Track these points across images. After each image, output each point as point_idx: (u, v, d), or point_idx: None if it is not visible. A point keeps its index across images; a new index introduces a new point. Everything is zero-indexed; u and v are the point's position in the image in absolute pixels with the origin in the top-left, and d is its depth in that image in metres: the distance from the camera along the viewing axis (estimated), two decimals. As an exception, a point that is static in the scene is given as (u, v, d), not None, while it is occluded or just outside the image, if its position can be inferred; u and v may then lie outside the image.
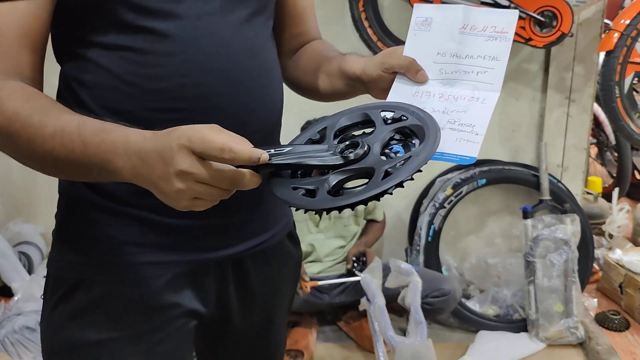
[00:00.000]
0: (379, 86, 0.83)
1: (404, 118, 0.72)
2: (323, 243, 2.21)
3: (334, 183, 0.65)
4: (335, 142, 0.72)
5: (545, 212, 2.22)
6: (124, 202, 0.82)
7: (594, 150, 3.54)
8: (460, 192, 2.29)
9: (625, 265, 2.29)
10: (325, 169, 0.66)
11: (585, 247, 2.24)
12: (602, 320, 2.24)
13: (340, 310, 2.36)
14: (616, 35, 1.94)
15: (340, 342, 2.29)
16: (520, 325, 2.26)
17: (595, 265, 2.52)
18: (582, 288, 2.25)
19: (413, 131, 0.70)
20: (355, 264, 2.13)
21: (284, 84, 0.94)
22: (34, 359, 2.00)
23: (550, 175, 2.30)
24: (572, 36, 2.08)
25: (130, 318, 0.85)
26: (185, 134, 0.61)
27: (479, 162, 2.39)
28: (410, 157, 0.65)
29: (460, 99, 0.78)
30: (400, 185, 0.62)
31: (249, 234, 0.92)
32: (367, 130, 0.73)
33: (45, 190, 2.62)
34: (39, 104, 0.68)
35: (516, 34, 2.20)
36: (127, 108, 0.77)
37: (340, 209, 0.63)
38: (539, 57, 2.29)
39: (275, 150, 0.65)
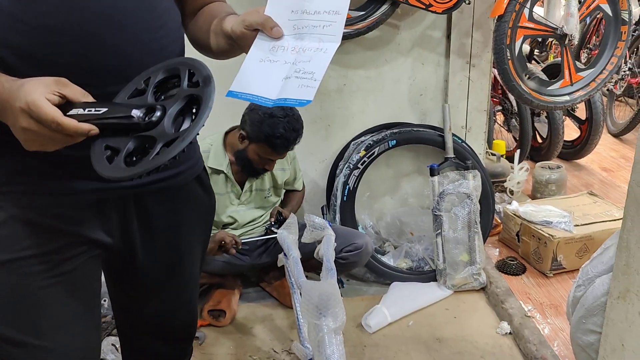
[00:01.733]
0: (245, 43, 0.91)
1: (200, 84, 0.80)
2: (244, 214, 2.25)
3: (132, 149, 0.77)
4: (152, 95, 0.81)
5: (451, 169, 2.39)
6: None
7: (500, 118, 3.80)
8: (373, 153, 2.40)
9: (522, 215, 2.51)
10: (127, 132, 0.78)
11: (487, 201, 2.43)
12: (502, 266, 2.46)
13: (263, 272, 2.43)
14: (506, 1, 2.10)
15: (263, 301, 2.37)
16: (431, 276, 2.42)
17: (497, 219, 2.74)
18: (485, 238, 2.44)
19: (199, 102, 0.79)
20: (273, 223, 2.20)
21: None
22: None
23: (454, 135, 2.47)
24: (469, 3, 2.23)
25: (34, 240, 0.90)
26: (26, 99, 0.73)
27: (391, 125, 2.52)
28: (177, 137, 0.75)
29: (307, 50, 0.89)
30: (157, 169, 0.74)
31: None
32: (173, 92, 0.82)
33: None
34: None
35: (417, 0, 2.32)
36: (16, 43, 0.80)
37: (119, 180, 0.77)
38: (442, 24, 2.44)
39: (94, 110, 0.76)
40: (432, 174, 2.37)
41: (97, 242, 0.96)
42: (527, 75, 2.27)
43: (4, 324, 0.93)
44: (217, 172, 2.14)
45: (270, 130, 1.97)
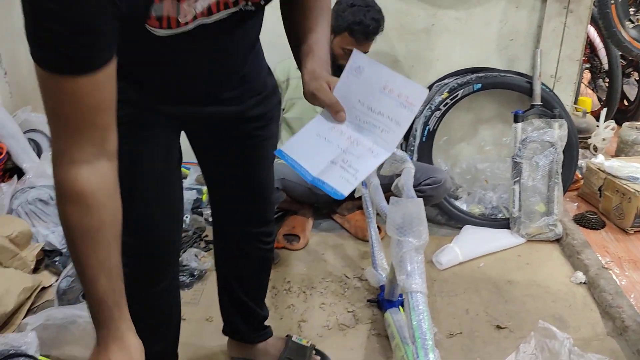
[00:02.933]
0: (307, 98, 0.99)
1: None
2: None
3: None
4: None
5: (536, 117, 2.33)
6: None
7: (587, 77, 3.63)
8: (456, 96, 2.38)
9: (606, 170, 2.43)
10: None
11: (570, 152, 2.37)
12: (580, 220, 2.40)
13: (336, 204, 2.49)
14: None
15: (334, 232, 2.44)
16: (503, 224, 2.40)
17: (578, 174, 2.66)
18: (565, 190, 2.39)
19: None
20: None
21: None
22: (47, 228, 2.13)
23: (543, 84, 2.40)
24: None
25: (137, 116, 1.03)
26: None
27: (476, 70, 2.48)
28: None
29: (361, 145, 0.92)
30: None
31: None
32: None
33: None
34: (95, 225, 0.77)
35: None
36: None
37: None
38: (542, -35, 2.34)
39: None
40: (515, 120, 2.32)
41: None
42: (630, 23, 2.16)
43: None
44: None
45: (352, 17, 2.05)
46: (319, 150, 0.92)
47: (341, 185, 0.90)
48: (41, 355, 1.52)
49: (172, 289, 1.31)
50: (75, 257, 0.79)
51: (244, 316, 1.51)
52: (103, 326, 0.81)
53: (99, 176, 0.76)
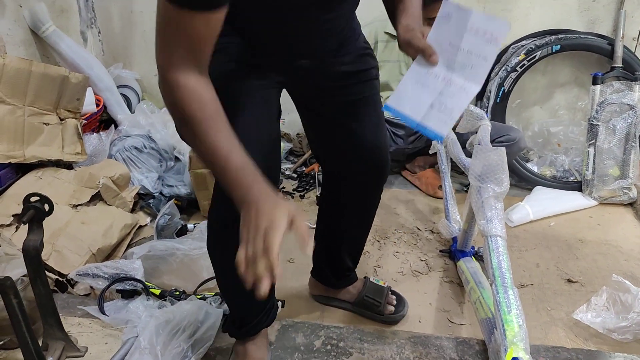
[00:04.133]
0: (402, 49, 1.09)
1: None
2: None
3: None
4: None
5: (615, 80, 2.31)
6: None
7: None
8: (534, 57, 2.38)
9: (687, 135, 2.38)
10: None
11: (650, 116, 2.33)
12: (656, 184, 2.38)
13: (406, 160, 2.57)
14: None
15: (404, 188, 2.52)
16: (575, 187, 2.41)
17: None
18: (641, 155, 2.36)
19: None
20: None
21: None
22: (141, 173, 2.32)
23: (624, 46, 2.36)
24: None
25: (244, 70, 1.14)
26: (275, 211, 0.82)
27: (555, 32, 2.46)
28: None
29: (454, 85, 1.00)
30: None
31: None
32: None
33: (140, 41, 2.85)
34: (214, 123, 0.89)
35: None
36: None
37: None
38: None
39: None
40: (594, 83, 2.31)
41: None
42: None
43: None
44: (393, 37, 2.26)
45: None
46: (419, 96, 1.03)
47: (440, 126, 1.01)
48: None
49: None
50: (202, 144, 0.89)
51: (335, 269, 1.61)
52: (249, 191, 0.86)
53: (202, 82, 0.90)
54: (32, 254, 1.28)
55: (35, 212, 1.28)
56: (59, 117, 2.17)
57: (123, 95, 2.75)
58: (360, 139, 1.32)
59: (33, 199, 1.29)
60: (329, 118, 1.31)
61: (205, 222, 1.74)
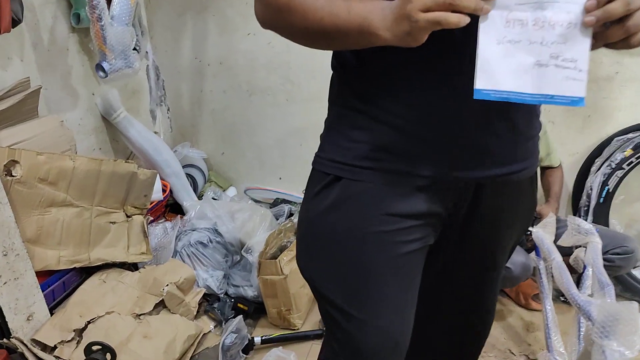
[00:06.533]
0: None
1: None
2: None
3: None
4: None
5: None
6: (385, 110, 0.87)
7: None
8: (644, 154, 2.11)
9: None
10: None
11: None
12: None
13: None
14: None
15: (490, 294, 2.27)
16: (694, 302, 2.09)
17: None
18: None
19: None
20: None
21: None
22: (206, 271, 2.18)
23: None
24: None
25: (372, 218, 0.91)
26: None
27: (667, 123, 2.18)
28: None
29: (556, 25, 0.69)
30: None
31: (499, 160, 0.92)
32: None
33: (208, 120, 2.78)
34: None
35: None
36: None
37: None
38: None
39: None
40: None
41: (431, 218, 0.94)
42: None
43: (336, 294, 0.95)
44: None
45: None
46: (514, 58, 0.71)
47: (571, 87, 0.70)
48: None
49: None
50: (303, 14, 0.79)
51: None
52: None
53: None
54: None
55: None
56: (126, 214, 2.08)
57: (189, 175, 2.67)
58: (477, 304, 1.12)
59: (95, 347, 1.16)
60: (459, 277, 1.08)
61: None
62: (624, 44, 0.72)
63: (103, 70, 1.91)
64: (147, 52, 2.63)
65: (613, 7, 0.68)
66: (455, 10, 0.68)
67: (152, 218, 2.25)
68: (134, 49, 2.09)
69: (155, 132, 2.76)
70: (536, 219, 1.99)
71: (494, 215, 1.00)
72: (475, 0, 0.68)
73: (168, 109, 2.82)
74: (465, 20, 0.68)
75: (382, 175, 0.90)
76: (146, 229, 2.11)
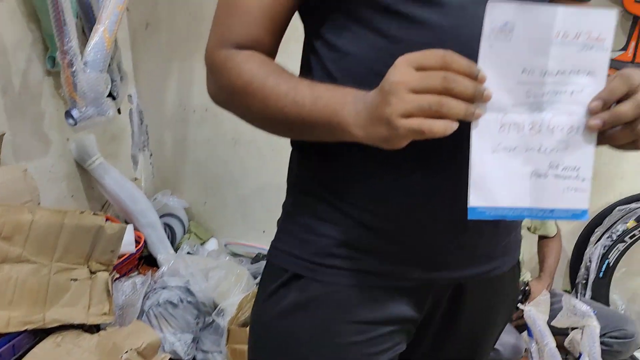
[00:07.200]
0: None
1: None
2: None
3: None
4: None
5: None
6: (354, 203, 0.75)
7: None
8: (647, 227, 1.97)
9: None
10: None
11: None
12: None
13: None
14: None
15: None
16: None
17: None
18: None
19: None
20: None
21: None
22: (174, 334, 2.03)
23: None
24: None
25: (339, 327, 0.78)
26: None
27: (672, 194, 2.05)
28: None
29: (557, 129, 0.63)
30: None
31: (481, 259, 0.81)
32: None
33: (191, 169, 2.67)
34: (273, 68, 0.71)
35: None
36: (372, 85, 0.64)
37: None
38: None
39: None
40: None
41: (406, 324, 0.82)
42: None
43: None
44: None
45: None
46: (510, 168, 0.63)
47: (573, 200, 0.64)
48: None
49: None
50: (263, 100, 0.69)
51: None
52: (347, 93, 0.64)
53: (257, 53, 0.74)
54: None
55: None
56: (90, 271, 1.94)
57: (167, 225, 2.54)
58: None
59: None
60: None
61: None
62: (631, 146, 0.63)
63: (72, 117, 1.80)
64: (130, 95, 2.54)
65: (623, 109, 0.60)
66: (442, 116, 0.57)
67: (118, 275, 2.11)
68: (110, 95, 1.99)
69: (136, 178, 2.65)
70: (527, 292, 1.84)
71: (476, 313, 0.88)
72: (464, 105, 0.57)
73: (151, 155, 2.72)
74: (452, 127, 0.57)
75: (349, 275, 0.77)
76: (110, 288, 1.96)
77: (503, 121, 0.62)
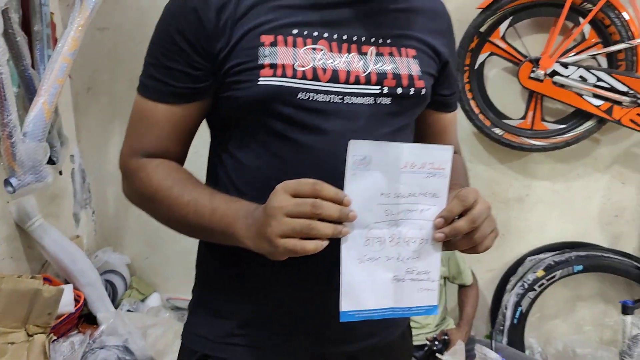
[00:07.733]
0: None
1: None
2: None
3: None
4: None
5: (648, 310, 2.07)
6: (247, 286, 0.87)
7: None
8: (554, 276, 2.17)
9: None
10: None
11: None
12: None
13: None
14: None
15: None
16: None
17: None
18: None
19: None
20: (436, 342, 2.04)
21: None
22: (111, 396, 2.06)
23: (654, 268, 2.15)
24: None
25: None
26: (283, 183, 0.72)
27: (575, 245, 2.27)
28: None
29: (410, 241, 0.78)
30: None
31: (371, 331, 0.92)
32: None
33: (134, 224, 2.73)
34: (179, 177, 0.84)
35: (631, 121, 2.06)
36: (267, 194, 0.76)
37: None
38: (652, 143, 2.17)
39: None
40: (624, 312, 2.06)
41: None
42: None
43: None
44: None
45: None
46: (374, 276, 0.76)
47: (426, 299, 0.79)
48: None
49: None
50: (168, 208, 0.81)
51: None
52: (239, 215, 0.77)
53: (165, 161, 0.86)
54: None
55: None
56: (27, 333, 1.97)
57: (109, 282, 2.57)
58: None
59: None
60: None
61: None
62: (471, 251, 0.78)
63: (11, 185, 1.86)
64: (73, 155, 2.60)
65: (460, 225, 0.75)
66: (313, 237, 0.70)
67: (55, 337, 2.13)
68: (51, 161, 2.06)
69: (78, 236, 2.68)
70: (446, 341, 1.98)
71: None
72: (332, 227, 0.70)
73: (93, 212, 2.76)
74: (322, 245, 0.70)
75: (250, 352, 0.88)
76: (47, 350, 1.99)
77: (367, 236, 0.76)
